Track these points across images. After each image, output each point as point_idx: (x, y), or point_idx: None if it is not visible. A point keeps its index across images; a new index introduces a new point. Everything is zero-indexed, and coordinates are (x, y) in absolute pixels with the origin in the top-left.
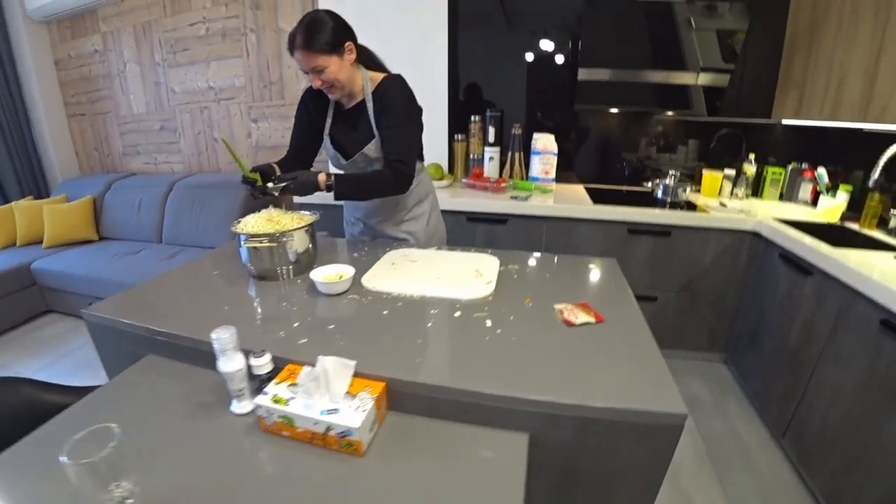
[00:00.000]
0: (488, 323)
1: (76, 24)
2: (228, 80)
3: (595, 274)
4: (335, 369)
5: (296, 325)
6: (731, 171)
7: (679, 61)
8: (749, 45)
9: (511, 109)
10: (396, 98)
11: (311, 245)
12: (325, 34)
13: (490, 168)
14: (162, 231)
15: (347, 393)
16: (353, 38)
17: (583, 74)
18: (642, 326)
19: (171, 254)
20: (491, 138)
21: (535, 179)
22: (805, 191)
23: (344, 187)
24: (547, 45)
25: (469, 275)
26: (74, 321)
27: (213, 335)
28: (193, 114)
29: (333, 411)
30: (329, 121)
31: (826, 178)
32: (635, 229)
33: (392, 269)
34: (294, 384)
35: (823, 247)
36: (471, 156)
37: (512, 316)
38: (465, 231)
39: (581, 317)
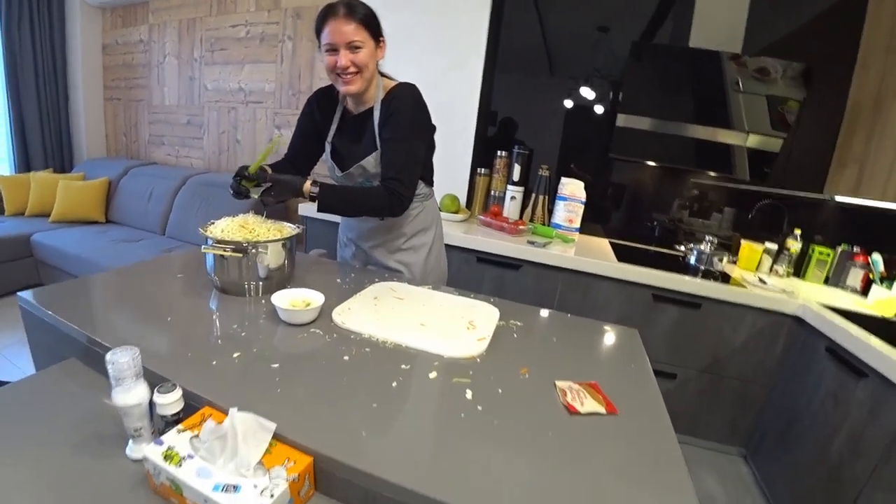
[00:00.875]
0: (468, 394)
1: (128, 13)
2: (259, 83)
3: (612, 345)
4: (248, 430)
5: (236, 355)
6: (772, 245)
7: (724, 120)
8: (803, 112)
9: (541, 150)
10: (404, 108)
11: (286, 261)
12: (370, 12)
13: (510, 208)
14: (167, 224)
15: (260, 463)
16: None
17: (621, 121)
18: (665, 427)
19: (168, 248)
20: (516, 176)
21: (558, 226)
22: (855, 277)
23: (328, 198)
24: (587, 91)
25: (460, 325)
26: None
27: (109, 357)
28: (221, 112)
29: (231, 488)
30: (333, 127)
31: (881, 266)
32: (662, 296)
33: (371, 305)
34: (199, 436)
35: (885, 346)
36: (492, 192)
37: (500, 388)
38: (473, 272)
39: (588, 403)
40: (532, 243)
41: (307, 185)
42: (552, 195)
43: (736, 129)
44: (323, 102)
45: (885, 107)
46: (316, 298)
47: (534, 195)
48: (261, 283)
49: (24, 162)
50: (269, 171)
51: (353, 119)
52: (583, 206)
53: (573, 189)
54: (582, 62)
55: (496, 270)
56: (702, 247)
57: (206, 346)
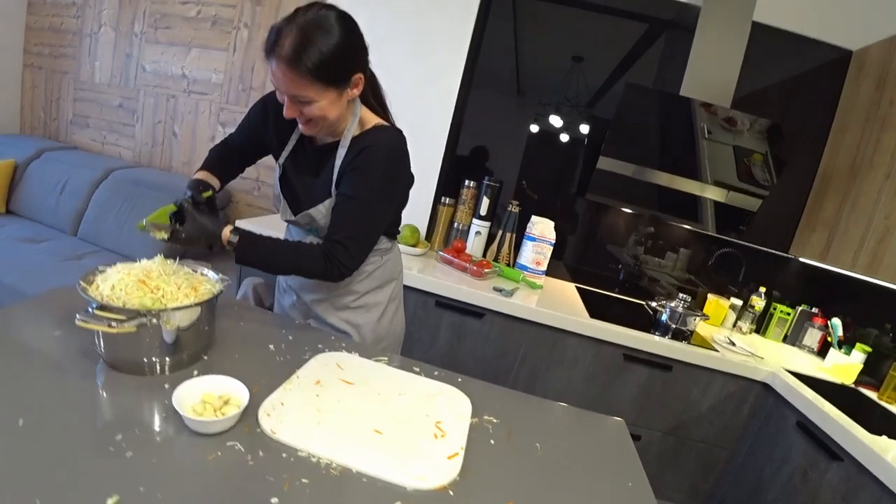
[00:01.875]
0: None
1: None
2: (206, 72)
3: (606, 451)
4: None
5: (111, 502)
6: (737, 301)
7: (693, 170)
8: (771, 169)
9: (511, 184)
10: (375, 164)
11: (202, 327)
12: (329, 56)
13: (475, 244)
14: (80, 223)
15: None
16: (365, 65)
17: (604, 164)
18: None
19: (79, 253)
20: (483, 210)
21: (524, 268)
22: (812, 338)
23: (249, 253)
24: (558, 123)
25: (424, 428)
26: None
27: None
28: (158, 99)
29: None
30: (288, 148)
31: (840, 331)
32: (633, 356)
33: (312, 396)
34: None
35: (861, 431)
36: (455, 224)
37: None
38: (430, 316)
39: None
40: (499, 290)
41: (226, 233)
42: (519, 233)
43: (703, 181)
44: (279, 110)
45: (861, 174)
46: (237, 394)
47: (500, 232)
48: (167, 359)
49: None
50: (188, 205)
51: (313, 148)
52: (551, 248)
53: (543, 229)
54: (555, 91)
55: (456, 317)
56: (674, 304)
57: (70, 482)
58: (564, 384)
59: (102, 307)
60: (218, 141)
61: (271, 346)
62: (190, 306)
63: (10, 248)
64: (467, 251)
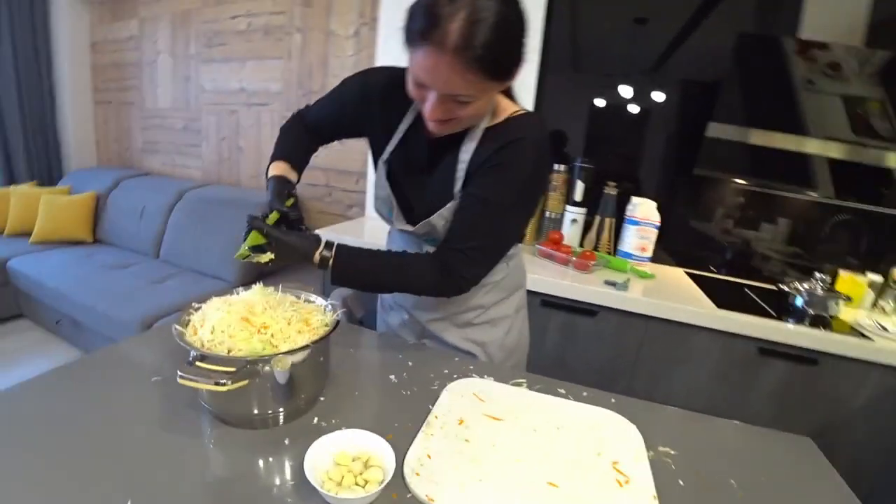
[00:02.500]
0: None
1: (117, 6)
2: (263, 83)
3: (808, 480)
4: None
5: None
6: (876, 278)
7: (802, 127)
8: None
9: (604, 165)
10: (523, 160)
11: (321, 358)
12: (507, 44)
13: (571, 234)
14: (161, 246)
15: None
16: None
17: (713, 131)
18: None
19: (163, 276)
20: (578, 196)
21: (628, 256)
22: None
23: (348, 272)
24: (659, 97)
25: (603, 474)
26: (44, 334)
27: None
28: (220, 116)
29: None
30: (396, 139)
31: None
32: (770, 350)
33: (460, 440)
34: None
35: None
36: (547, 214)
37: None
38: (536, 317)
39: None
40: (611, 284)
41: (319, 250)
42: (619, 218)
43: (831, 141)
44: (390, 95)
45: None
46: (376, 452)
47: (598, 218)
48: (281, 409)
49: (8, 173)
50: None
51: (427, 140)
52: (656, 231)
53: (646, 211)
54: (619, 60)
55: (565, 317)
56: (812, 286)
57: None
58: (690, 385)
59: (204, 357)
60: None
61: (392, 377)
62: (308, 347)
63: (100, 276)
64: (565, 242)
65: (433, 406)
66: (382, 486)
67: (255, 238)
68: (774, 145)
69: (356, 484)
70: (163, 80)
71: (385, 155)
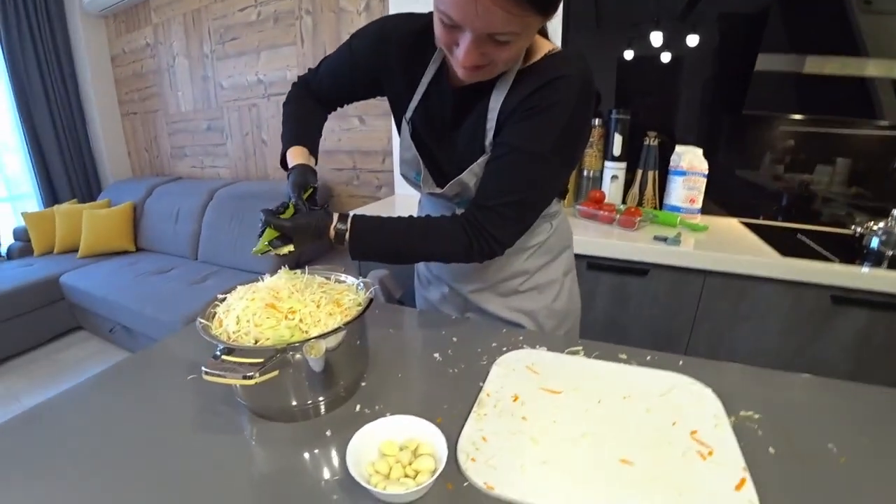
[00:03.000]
0: None
1: (130, 17)
2: (279, 71)
3: None
4: None
5: None
6: None
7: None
8: None
9: (640, 116)
10: (565, 102)
11: (358, 341)
12: None
13: (613, 191)
14: (198, 246)
15: None
16: None
17: (763, 63)
18: None
19: (203, 276)
20: (616, 150)
21: (676, 209)
22: None
23: (366, 242)
24: (694, 39)
25: (682, 446)
26: (101, 343)
27: None
28: (241, 112)
29: None
30: (418, 95)
31: None
32: (844, 298)
33: (517, 420)
34: None
35: None
36: (585, 172)
37: None
38: (584, 281)
39: None
40: (661, 239)
41: (333, 224)
42: (662, 170)
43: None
44: (410, 44)
45: None
46: (424, 438)
47: (640, 172)
48: (320, 398)
49: (51, 194)
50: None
51: (455, 93)
52: (705, 181)
53: (692, 159)
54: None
55: (614, 279)
56: (886, 224)
57: None
58: (756, 342)
59: (231, 350)
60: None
61: (436, 355)
62: (340, 329)
63: (144, 282)
64: (607, 200)
65: (483, 383)
66: (435, 476)
67: (269, 233)
68: (832, 72)
69: (405, 475)
70: (182, 83)
71: (409, 112)
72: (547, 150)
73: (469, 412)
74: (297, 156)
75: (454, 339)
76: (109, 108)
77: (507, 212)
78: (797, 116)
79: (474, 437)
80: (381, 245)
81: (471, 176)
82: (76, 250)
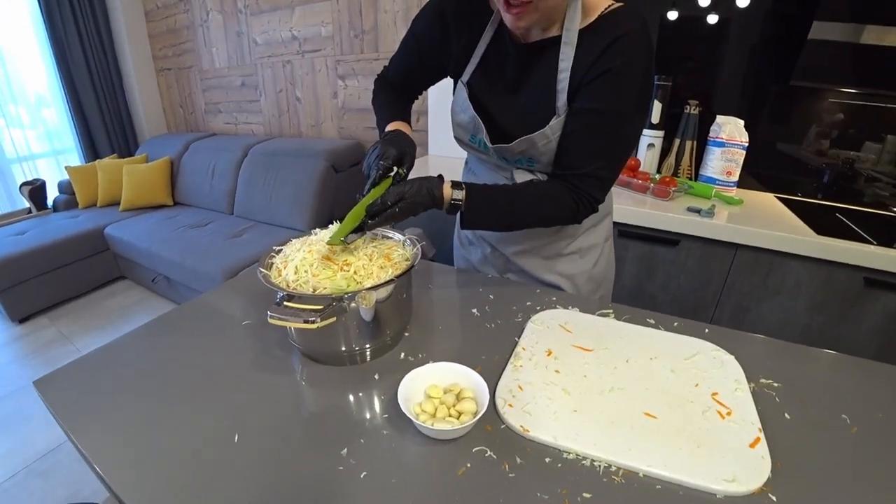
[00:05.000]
0: None
1: None
2: (314, 28)
3: None
4: None
5: None
6: None
7: None
8: None
9: (681, 82)
10: (634, 63)
11: (404, 295)
12: None
13: (648, 159)
14: (234, 202)
15: None
16: None
17: (819, 31)
18: None
19: (239, 230)
20: (655, 117)
21: (712, 181)
22: None
23: (481, 212)
24: (743, 1)
25: (703, 404)
26: (144, 292)
27: None
28: (275, 69)
29: None
30: (476, 57)
31: None
32: (877, 281)
33: (551, 372)
34: None
35: None
36: None
37: None
38: (615, 249)
39: None
40: (695, 211)
41: (446, 190)
42: (701, 140)
43: None
44: (465, 10)
45: None
46: (468, 383)
47: (678, 141)
48: (367, 345)
49: (91, 149)
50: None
51: (516, 49)
52: (744, 154)
53: (732, 130)
54: None
55: (643, 247)
56: None
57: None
58: (782, 318)
59: (291, 297)
60: (340, 98)
61: (475, 311)
62: (392, 281)
63: (183, 235)
64: (642, 168)
65: (519, 338)
66: (478, 417)
67: (377, 191)
68: (892, 43)
69: (450, 415)
70: (216, 40)
71: (465, 76)
72: (630, 108)
73: (506, 364)
74: (397, 126)
75: (491, 296)
76: (144, 64)
77: (602, 174)
78: (848, 90)
79: (511, 386)
80: (495, 213)
81: (541, 136)
82: (118, 203)
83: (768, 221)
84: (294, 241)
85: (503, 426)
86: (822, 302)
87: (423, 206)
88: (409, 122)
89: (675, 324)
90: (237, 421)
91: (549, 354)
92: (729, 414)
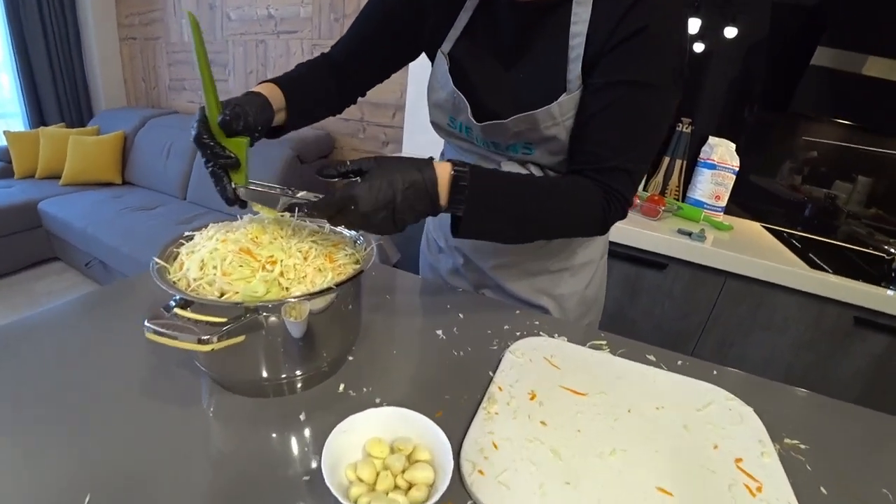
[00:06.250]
0: None
1: None
2: (292, 7)
3: None
4: None
5: None
6: None
7: None
8: None
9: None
10: (663, 20)
11: (350, 306)
12: None
13: None
14: (188, 186)
15: None
16: None
17: (822, 58)
18: None
19: (189, 216)
20: None
21: (699, 204)
22: None
23: (489, 209)
24: (731, 31)
25: (726, 475)
26: (77, 277)
27: None
28: (247, 48)
29: None
30: (461, 23)
31: None
32: (867, 320)
33: (534, 424)
34: None
35: None
36: None
37: None
38: None
39: None
40: (686, 234)
41: (445, 172)
42: (691, 161)
43: None
44: None
45: None
46: (426, 439)
47: (667, 159)
48: (297, 371)
49: (38, 116)
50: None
51: (513, 10)
52: (734, 178)
53: (724, 153)
54: None
55: (628, 269)
56: None
57: None
58: (766, 354)
59: (187, 303)
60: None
61: (439, 332)
62: (329, 290)
63: (126, 218)
64: None
65: (494, 373)
66: (437, 496)
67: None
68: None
69: (396, 487)
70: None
71: (446, 45)
72: (668, 79)
73: (476, 408)
74: (262, 88)
75: (461, 315)
76: (108, 30)
77: (632, 166)
78: (846, 122)
79: (483, 443)
80: (506, 211)
81: (546, 116)
82: (59, 177)
83: (760, 251)
84: (213, 226)
85: (470, 503)
86: (810, 340)
87: (423, 197)
88: (292, 94)
89: (679, 362)
90: (121, 452)
91: (532, 398)
92: (759, 489)
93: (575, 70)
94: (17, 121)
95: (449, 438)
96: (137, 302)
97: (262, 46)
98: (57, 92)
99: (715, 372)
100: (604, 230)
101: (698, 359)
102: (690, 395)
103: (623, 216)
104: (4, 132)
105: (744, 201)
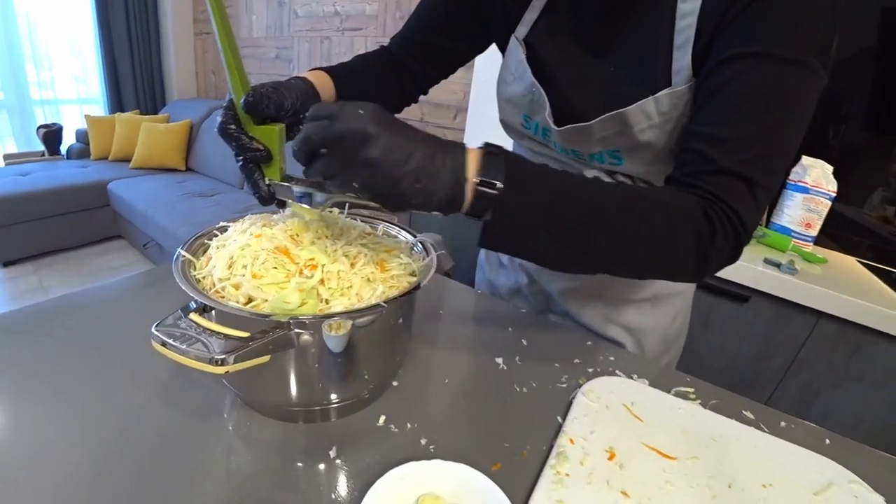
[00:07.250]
0: None
1: None
2: (359, 5)
3: None
4: None
5: None
6: None
7: None
8: None
9: None
10: None
11: (399, 320)
12: None
13: None
14: None
15: None
16: None
17: None
18: None
19: (245, 206)
20: None
21: (786, 231)
22: None
23: (530, 212)
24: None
25: None
26: (136, 255)
27: None
28: (312, 44)
29: None
30: (540, 1)
31: None
32: None
33: (613, 493)
34: None
35: None
36: None
37: None
38: None
39: None
40: (775, 265)
41: (471, 165)
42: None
43: None
44: None
45: None
46: (481, 500)
47: None
48: (332, 395)
49: (117, 102)
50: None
51: (589, 3)
52: (829, 205)
53: (819, 176)
54: None
55: (702, 297)
56: None
57: None
58: (858, 411)
59: (206, 309)
60: None
61: (499, 361)
62: (379, 307)
63: (185, 203)
64: None
65: (564, 420)
66: None
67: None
68: None
69: None
70: (258, 7)
71: (522, 29)
72: (811, 54)
73: (542, 465)
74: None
75: (524, 341)
76: (184, 26)
77: (754, 173)
78: None
79: None
80: (553, 220)
81: (639, 114)
82: (129, 160)
83: (859, 290)
84: (250, 216)
85: None
86: None
87: (443, 192)
88: (340, 78)
89: (783, 424)
90: (111, 461)
91: (611, 457)
92: None
93: (682, 59)
94: (98, 106)
95: (509, 498)
96: (158, 298)
97: (327, 43)
98: (135, 81)
99: (828, 441)
100: (701, 270)
101: (774, 407)
102: (802, 472)
103: (735, 252)
104: (86, 116)
105: (833, 231)
